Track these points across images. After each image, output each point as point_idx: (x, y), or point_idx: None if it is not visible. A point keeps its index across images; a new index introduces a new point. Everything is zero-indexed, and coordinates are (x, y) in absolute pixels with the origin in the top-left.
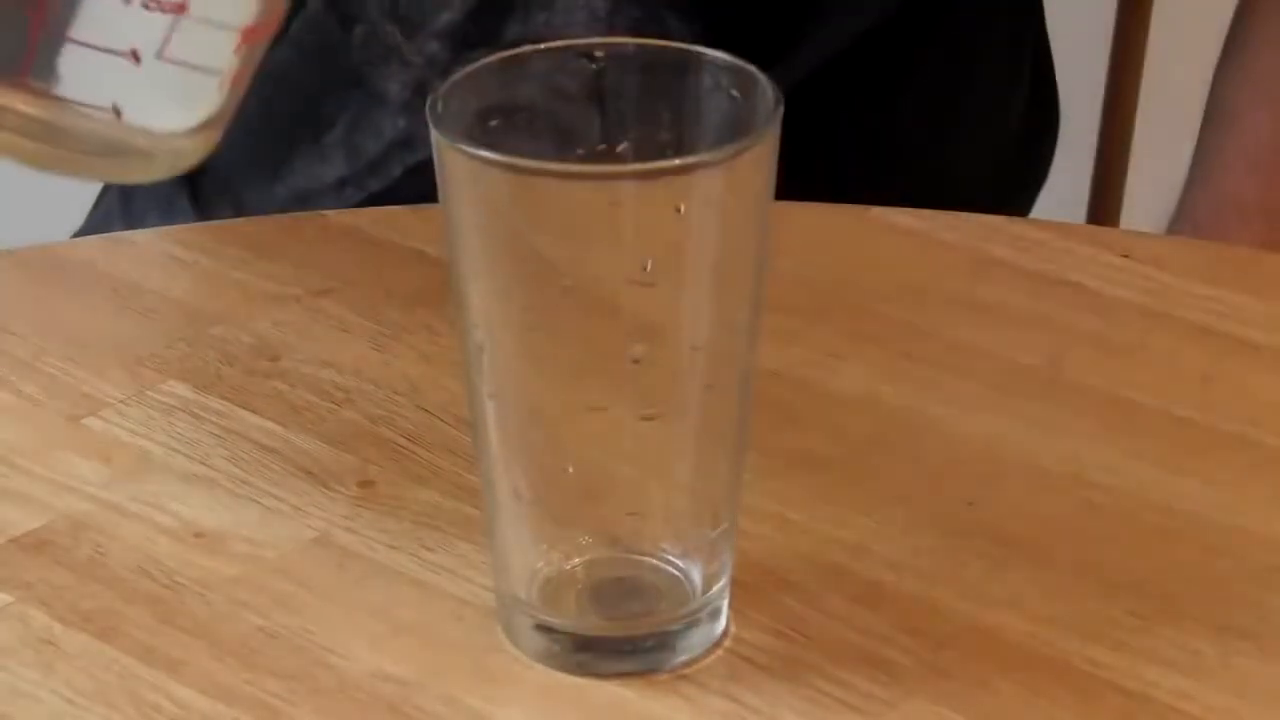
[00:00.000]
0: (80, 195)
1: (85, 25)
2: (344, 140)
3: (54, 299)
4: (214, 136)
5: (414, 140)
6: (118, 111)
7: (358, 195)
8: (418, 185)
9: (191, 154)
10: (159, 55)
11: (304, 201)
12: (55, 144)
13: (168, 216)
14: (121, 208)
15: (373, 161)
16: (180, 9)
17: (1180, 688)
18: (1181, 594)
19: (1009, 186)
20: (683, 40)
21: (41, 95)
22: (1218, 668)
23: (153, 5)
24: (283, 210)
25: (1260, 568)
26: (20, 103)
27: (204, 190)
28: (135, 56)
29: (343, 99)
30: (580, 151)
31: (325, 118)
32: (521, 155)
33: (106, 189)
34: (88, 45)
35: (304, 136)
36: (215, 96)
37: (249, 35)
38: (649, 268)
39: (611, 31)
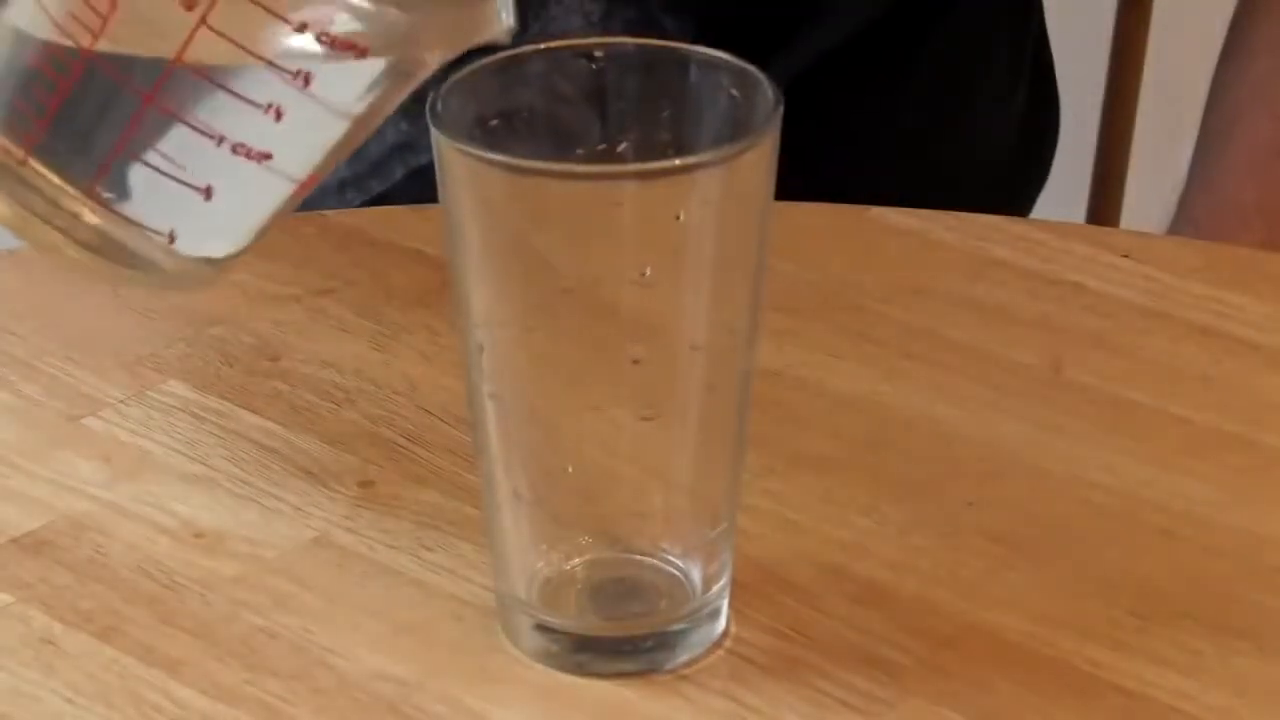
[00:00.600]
0: None
1: (167, 152)
2: None
3: (54, 299)
4: (231, 269)
5: (415, 143)
6: (172, 237)
7: (359, 197)
8: (419, 187)
9: (206, 283)
10: (230, 196)
11: (305, 203)
12: (96, 253)
13: None
14: None
15: (374, 163)
16: (265, 157)
17: (1180, 688)
18: (1181, 594)
19: (1009, 186)
20: (679, 38)
21: (105, 207)
22: (1218, 668)
23: (240, 150)
24: None
25: (1260, 568)
26: (88, 211)
27: None
28: (208, 193)
29: None
30: (580, 152)
31: None
32: (521, 155)
33: None
34: (165, 172)
35: None
36: (253, 235)
37: (305, 185)
38: (649, 268)
39: (607, 35)
